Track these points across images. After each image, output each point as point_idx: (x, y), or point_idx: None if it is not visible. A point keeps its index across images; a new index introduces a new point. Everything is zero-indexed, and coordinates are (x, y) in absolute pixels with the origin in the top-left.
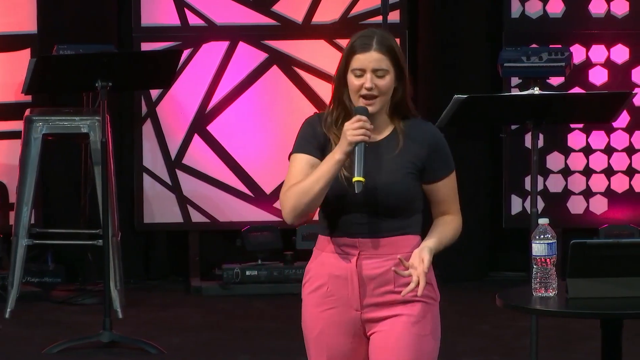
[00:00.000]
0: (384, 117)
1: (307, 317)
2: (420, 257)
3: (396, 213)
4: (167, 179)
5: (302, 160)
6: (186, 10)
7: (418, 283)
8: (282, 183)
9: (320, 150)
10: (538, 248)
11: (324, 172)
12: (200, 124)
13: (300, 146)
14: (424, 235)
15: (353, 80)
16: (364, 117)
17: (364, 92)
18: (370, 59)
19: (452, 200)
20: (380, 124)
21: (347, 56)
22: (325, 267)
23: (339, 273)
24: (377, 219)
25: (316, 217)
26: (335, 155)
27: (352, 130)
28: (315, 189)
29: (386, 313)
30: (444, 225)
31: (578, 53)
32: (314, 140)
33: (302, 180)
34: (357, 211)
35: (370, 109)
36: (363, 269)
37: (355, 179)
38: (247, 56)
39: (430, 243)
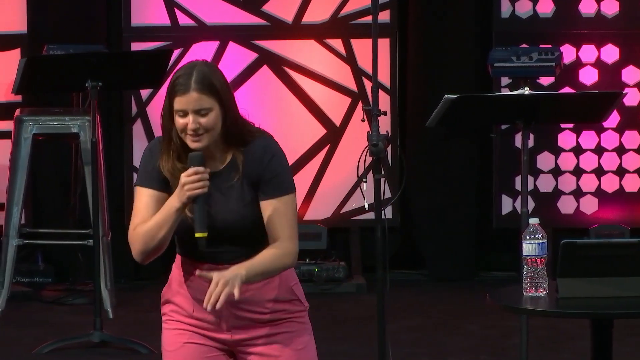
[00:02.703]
0: (220, 147)
1: (168, 334)
2: (226, 283)
3: (248, 240)
4: None
5: (146, 195)
6: (176, 10)
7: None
8: None
9: (162, 182)
10: (528, 248)
11: (166, 219)
12: None
13: (143, 179)
14: None
15: (178, 120)
16: (201, 169)
17: (189, 132)
18: (189, 100)
19: (281, 225)
20: (217, 154)
21: (169, 97)
22: (190, 291)
23: (203, 297)
24: (236, 247)
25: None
26: (174, 203)
27: (190, 184)
28: (160, 234)
29: (258, 333)
30: (271, 252)
31: (568, 53)
32: (154, 172)
33: (147, 222)
34: (214, 238)
35: (198, 144)
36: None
37: (198, 234)
38: (237, 56)
39: (243, 271)
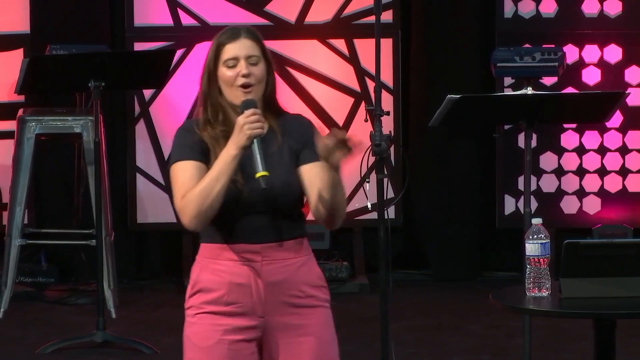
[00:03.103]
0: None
1: (200, 326)
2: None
3: (293, 213)
4: (160, 179)
5: (189, 166)
6: (179, 10)
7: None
8: None
9: (202, 154)
10: (531, 248)
11: (222, 170)
12: None
13: (182, 154)
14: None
15: (226, 73)
16: (258, 110)
17: (240, 80)
18: (242, 45)
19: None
20: None
21: (216, 50)
22: (223, 275)
23: (240, 281)
24: (277, 222)
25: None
26: (231, 150)
27: (250, 124)
28: (216, 188)
29: (290, 320)
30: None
31: (571, 53)
32: (195, 144)
33: (200, 182)
34: (254, 215)
35: (249, 96)
36: (267, 275)
37: (260, 173)
38: None
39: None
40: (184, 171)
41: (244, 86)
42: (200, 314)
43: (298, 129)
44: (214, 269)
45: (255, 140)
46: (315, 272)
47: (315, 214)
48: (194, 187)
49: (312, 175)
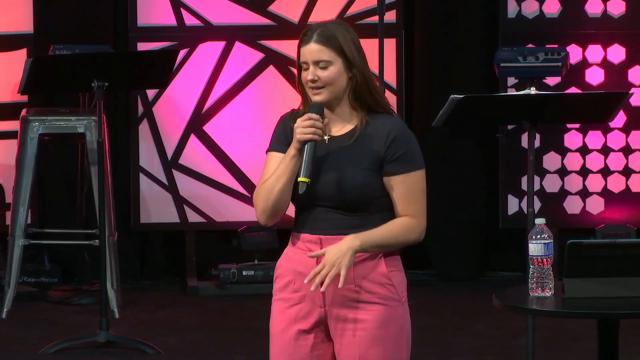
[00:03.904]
0: (346, 110)
1: (274, 312)
2: (336, 258)
3: (356, 209)
4: (164, 179)
5: (273, 158)
6: (182, 10)
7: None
8: None
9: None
10: (535, 248)
11: (282, 170)
12: (196, 124)
13: (272, 144)
14: None
15: (302, 74)
16: (315, 116)
17: (309, 84)
18: (309, 50)
19: (410, 201)
20: (342, 117)
21: (298, 51)
22: (292, 262)
23: (302, 269)
24: (338, 215)
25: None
26: (290, 151)
27: (302, 128)
28: (277, 187)
29: (348, 314)
30: (391, 225)
31: (574, 53)
32: (284, 137)
33: (268, 178)
34: (319, 207)
35: (317, 98)
36: None
37: (300, 179)
38: (244, 56)
39: (358, 242)
40: (267, 164)
41: (313, 88)
42: (275, 300)
43: (384, 129)
44: (288, 255)
45: (308, 145)
46: (381, 270)
47: None
48: (264, 182)
49: (390, 194)
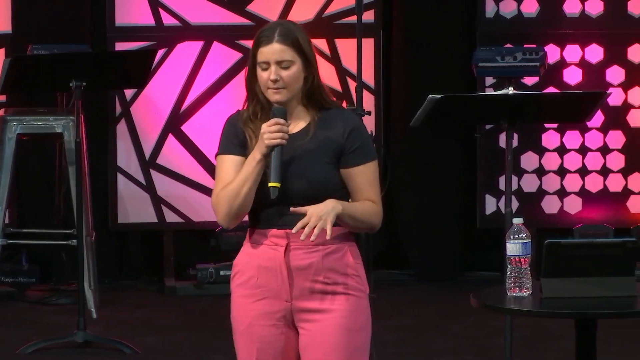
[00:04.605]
0: (299, 109)
1: (236, 309)
2: (323, 213)
3: (318, 203)
4: (142, 179)
5: (227, 161)
6: (160, 10)
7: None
8: None
9: (243, 148)
10: (512, 248)
11: (247, 174)
12: (174, 124)
13: (223, 147)
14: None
15: (261, 74)
16: (281, 121)
17: (270, 84)
18: (272, 50)
19: (370, 190)
20: (296, 115)
21: (254, 50)
22: (254, 258)
23: (268, 264)
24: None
25: None
26: (255, 155)
27: (269, 133)
28: (243, 191)
29: (316, 305)
30: (362, 204)
31: (552, 53)
32: (235, 138)
33: (230, 182)
34: (284, 204)
35: (277, 97)
36: (292, 259)
37: (271, 184)
38: (222, 56)
39: (340, 206)
40: (220, 167)
41: (273, 88)
42: (236, 297)
43: (339, 123)
44: (248, 251)
45: (275, 150)
46: (347, 261)
47: None
48: (226, 186)
49: (348, 185)
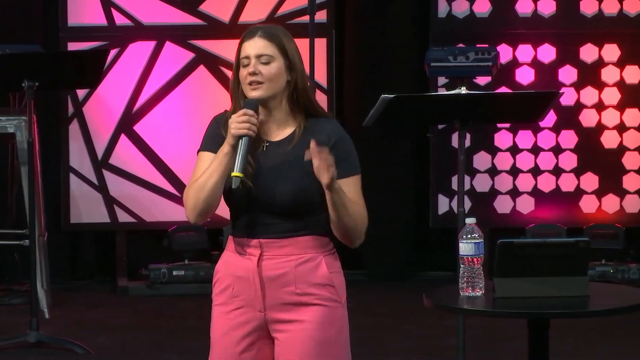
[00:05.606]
0: (284, 115)
1: (213, 318)
2: (330, 162)
3: (296, 213)
4: (94, 179)
5: (205, 158)
6: (113, 10)
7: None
8: None
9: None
10: (465, 247)
11: (215, 167)
12: (127, 124)
13: (204, 144)
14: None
15: (242, 71)
16: (250, 112)
17: (248, 78)
18: (253, 44)
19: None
20: (281, 122)
21: (238, 49)
22: (230, 267)
23: (242, 274)
24: (278, 220)
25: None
26: (224, 148)
27: (237, 123)
28: (209, 183)
29: (289, 316)
30: (354, 202)
31: (505, 52)
32: (218, 137)
33: (200, 177)
34: (258, 211)
35: (255, 93)
36: (264, 269)
37: (233, 174)
38: (174, 56)
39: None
40: (197, 163)
41: (251, 83)
42: (215, 306)
43: (325, 133)
44: (226, 259)
45: (242, 140)
46: (322, 272)
47: (334, 233)
48: (195, 180)
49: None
